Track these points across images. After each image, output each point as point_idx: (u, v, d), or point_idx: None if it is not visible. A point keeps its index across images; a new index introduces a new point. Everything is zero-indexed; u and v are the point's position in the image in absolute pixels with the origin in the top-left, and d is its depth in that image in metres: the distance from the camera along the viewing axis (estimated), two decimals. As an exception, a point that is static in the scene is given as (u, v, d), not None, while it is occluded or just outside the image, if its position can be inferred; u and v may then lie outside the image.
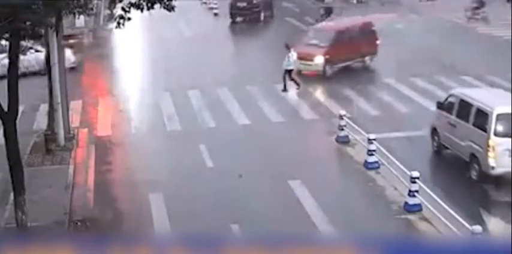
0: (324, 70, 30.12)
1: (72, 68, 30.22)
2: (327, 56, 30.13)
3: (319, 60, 30.19)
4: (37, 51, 29.17)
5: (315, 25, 33.64)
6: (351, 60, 31.21)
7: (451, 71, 29.76)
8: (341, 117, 22.49)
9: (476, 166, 19.18)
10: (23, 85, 16.27)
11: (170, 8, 17.08)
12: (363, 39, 31.86)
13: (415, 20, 43.19)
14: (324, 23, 34.75)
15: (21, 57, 27.62)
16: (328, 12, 43.96)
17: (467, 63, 31.62)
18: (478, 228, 14.78)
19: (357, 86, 28.63)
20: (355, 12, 45.10)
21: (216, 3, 46.59)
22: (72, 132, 23.19)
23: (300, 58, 29.58)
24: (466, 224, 15.30)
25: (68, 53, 31.23)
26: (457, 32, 39.70)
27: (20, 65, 28.02)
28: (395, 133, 23.01)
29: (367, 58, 31.94)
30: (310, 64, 30.31)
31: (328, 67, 30.15)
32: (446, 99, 21.29)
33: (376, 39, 32.54)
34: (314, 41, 31.19)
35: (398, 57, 33.34)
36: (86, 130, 24.10)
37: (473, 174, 19.34)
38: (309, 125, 24.62)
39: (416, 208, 17.47)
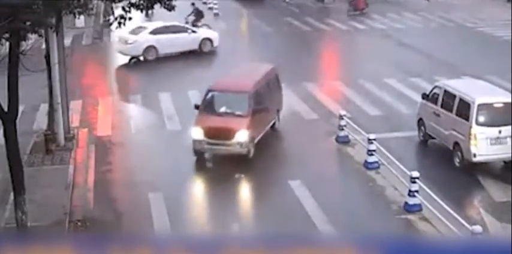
0: (249, 150, 20.98)
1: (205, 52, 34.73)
2: (250, 130, 21.06)
3: (243, 136, 20.74)
4: (193, 31, 35.07)
5: (213, 84, 22.30)
6: (267, 125, 22.83)
7: (451, 71, 29.74)
8: (341, 117, 22.51)
9: (459, 154, 20.06)
10: (23, 84, 16.26)
11: (170, 8, 17.13)
12: (273, 93, 23.51)
13: (414, 19, 43.21)
14: (228, 80, 23.06)
15: (178, 35, 34.40)
16: (199, 15, 39.23)
17: (467, 63, 31.63)
18: (478, 228, 14.84)
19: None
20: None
21: (216, 3, 46.60)
22: (72, 132, 23.20)
23: (210, 136, 20.81)
24: (466, 224, 15.32)
25: (215, 33, 35.43)
26: (457, 32, 39.71)
27: (177, 43, 34.16)
28: (395, 133, 23.10)
29: (276, 117, 23.69)
30: (228, 145, 20.82)
31: (252, 145, 21.14)
32: (432, 90, 22.04)
33: (281, 89, 24.45)
34: (225, 109, 21.51)
35: (398, 57, 33.39)
36: (86, 130, 24.10)
37: (457, 162, 20.20)
38: (309, 124, 24.61)
39: (416, 208, 17.51)
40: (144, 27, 34.95)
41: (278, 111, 23.85)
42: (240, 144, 20.73)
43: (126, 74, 32.89)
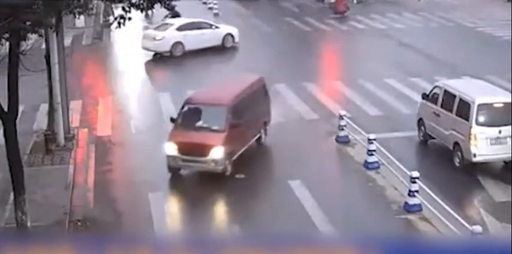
0: (225, 168, 19.66)
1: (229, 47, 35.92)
2: (227, 146, 19.68)
3: (218, 153, 19.40)
4: (216, 27, 36.05)
5: (191, 95, 21.60)
6: (249, 141, 21.30)
7: (451, 71, 29.75)
8: (341, 117, 22.50)
9: (459, 154, 20.07)
10: (23, 84, 16.25)
11: (171, 8, 17.15)
12: (259, 106, 22.01)
13: (414, 19, 43.21)
14: (206, 92, 21.77)
15: (203, 31, 35.70)
16: (176, 16, 37.65)
17: (467, 63, 31.63)
18: (478, 228, 14.84)
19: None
20: (355, 12, 45.24)
21: (216, 3, 46.62)
22: (72, 132, 23.20)
23: (184, 152, 19.53)
24: (466, 224, 15.33)
25: (235, 29, 36.62)
26: (457, 32, 39.71)
27: (202, 39, 35.38)
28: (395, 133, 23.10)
29: (262, 131, 22.16)
30: (202, 162, 19.54)
31: (229, 162, 19.78)
32: (432, 90, 22.06)
33: (269, 100, 22.98)
34: (201, 123, 20.19)
35: (398, 57, 33.39)
36: (86, 130, 24.11)
37: (457, 162, 20.21)
38: (309, 124, 24.60)
39: (416, 208, 17.51)
40: (171, 24, 35.55)
41: (265, 124, 22.36)
42: (215, 161, 19.36)
43: (155, 70, 33.26)
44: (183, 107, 20.60)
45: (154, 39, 34.19)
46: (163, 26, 35.42)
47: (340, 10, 44.30)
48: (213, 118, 20.01)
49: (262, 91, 22.51)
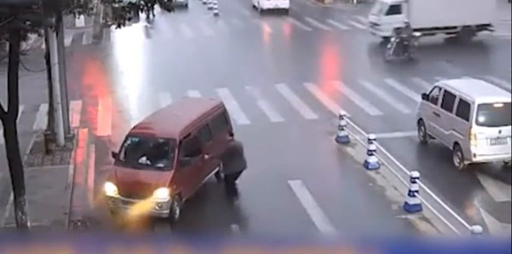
0: (172, 211, 17.14)
1: None
2: (174, 186, 17.15)
3: (162, 195, 16.91)
4: None
5: (133, 128, 18.55)
6: (203, 178, 18.63)
7: (451, 71, 29.74)
8: (341, 117, 22.51)
9: (459, 154, 20.09)
10: (23, 84, 16.25)
11: (170, 8, 17.16)
12: (217, 136, 19.07)
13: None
14: (152, 122, 19.01)
15: None
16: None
17: (467, 63, 31.60)
18: (478, 228, 14.84)
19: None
20: (355, 12, 45.24)
21: (216, 3, 46.65)
22: (72, 132, 23.20)
23: (124, 194, 17.08)
24: (466, 224, 15.33)
25: None
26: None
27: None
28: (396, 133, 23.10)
29: (221, 164, 19.08)
30: (143, 204, 17.02)
31: (177, 204, 17.29)
32: (432, 90, 22.08)
33: (231, 129, 20.09)
34: (144, 159, 17.60)
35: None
36: (86, 130, 24.11)
37: (457, 162, 20.23)
38: (309, 124, 24.60)
39: (416, 208, 17.51)
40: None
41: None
42: (159, 205, 16.82)
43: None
44: (125, 140, 18.02)
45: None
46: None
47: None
48: (158, 154, 17.56)
49: (222, 118, 19.73)
